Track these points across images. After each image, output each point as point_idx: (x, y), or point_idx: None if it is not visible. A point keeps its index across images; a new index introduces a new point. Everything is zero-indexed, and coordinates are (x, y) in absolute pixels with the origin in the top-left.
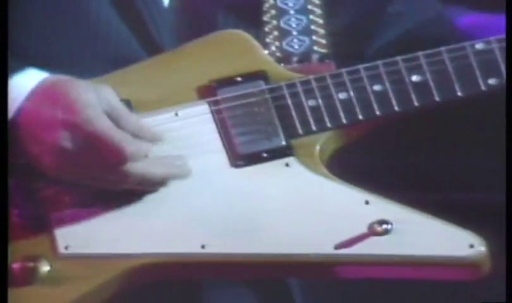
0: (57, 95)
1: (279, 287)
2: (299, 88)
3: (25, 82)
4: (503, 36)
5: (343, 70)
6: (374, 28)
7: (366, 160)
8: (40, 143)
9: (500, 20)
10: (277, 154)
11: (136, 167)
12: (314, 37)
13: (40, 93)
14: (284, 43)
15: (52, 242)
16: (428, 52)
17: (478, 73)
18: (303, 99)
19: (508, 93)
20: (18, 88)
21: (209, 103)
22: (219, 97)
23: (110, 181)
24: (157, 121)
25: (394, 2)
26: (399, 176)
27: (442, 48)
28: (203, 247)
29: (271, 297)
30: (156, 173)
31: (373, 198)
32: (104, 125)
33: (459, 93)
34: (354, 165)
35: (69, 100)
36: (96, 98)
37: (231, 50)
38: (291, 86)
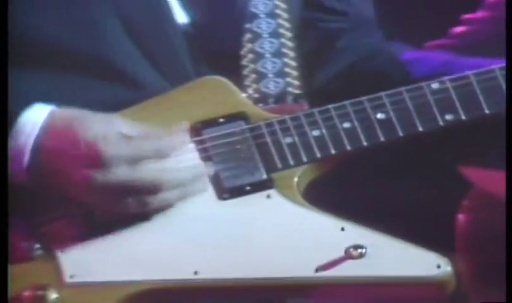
0: (76, 133)
1: None
2: (277, 127)
3: (35, 117)
4: (457, 75)
5: (315, 110)
6: (324, 60)
7: (341, 189)
8: (69, 179)
9: (434, 55)
10: (259, 187)
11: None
12: (288, 79)
13: (58, 132)
14: (261, 85)
15: (59, 271)
16: (390, 92)
17: (435, 110)
18: (281, 137)
19: (508, 93)
20: (29, 124)
21: (195, 143)
22: (203, 137)
23: (131, 207)
24: None
25: (341, 37)
26: (371, 204)
27: (402, 88)
28: (195, 273)
29: None
30: (172, 198)
31: (348, 225)
32: (130, 154)
33: (420, 128)
34: (329, 194)
35: (89, 137)
36: (112, 130)
37: (213, 94)
38: (269, 125)
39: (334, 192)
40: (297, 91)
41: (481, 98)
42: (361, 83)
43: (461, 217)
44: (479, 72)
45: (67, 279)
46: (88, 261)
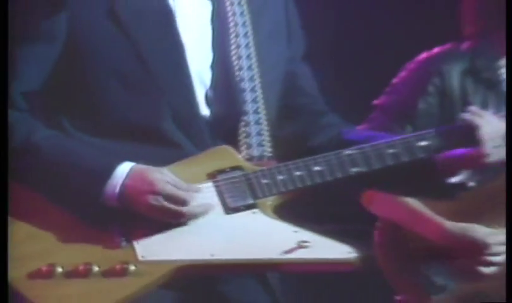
0: (144, 178)
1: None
2: (259, 174)
3: (123, 168)
4: (362, 146)
5: (280, 164)
6: (309, 135)
7: (297, 207)
8: (141, 203)
9: (359, 131)
10: (248, 207)
11: (188, 210)
12: (264, 147)
13: (135, 177)
14: (249, 151)
15: (135, 253)
16: (324, 155)
17: (348, 164)
18: (261, 179)
19: (508, 92)
20: (120, 172)
21: (213, 182)
22: (217, 178)
23: (174, 218)
24: None
25: (324, 116)
26: (313, 216)
27: (331, 153)
28: (212, 255)
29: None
30: (196, 212)
31: (299, 229)
32: (172, 190)
33: (339, 175)
34: (290, 210)
35: (151, 179)
36: (164, 177)
37: (223, 155)
38: (254, 172)
39: (293, 209)
40: (269, 155)
41: (374, 160)
42: (312, 150)
43: (376, 233)
44: (375, 143)
45: (140, 258)
46: (153, 247)
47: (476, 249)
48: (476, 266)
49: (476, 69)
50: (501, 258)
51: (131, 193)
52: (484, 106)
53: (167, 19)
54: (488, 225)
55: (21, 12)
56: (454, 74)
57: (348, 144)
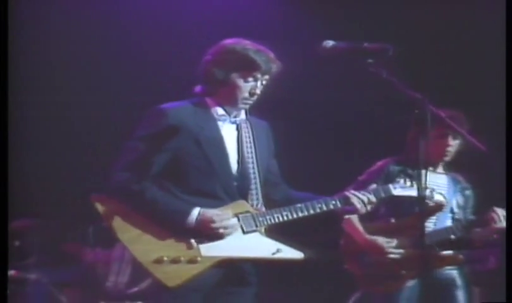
0: (207, 214)
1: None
2: (258, 215)
3: (196, 211)
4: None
5: (268, 210)
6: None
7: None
8: (206, 227)
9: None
10: (253, 231)
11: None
12: (259, 202)
13: (204, 213)
14: (253, 203)
15: (199, 251)
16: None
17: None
18: (259, 217)
19: (508, 93)
20: (195, 212)
21: (237, 218)
22: (239, 217)
23: (217, 234)
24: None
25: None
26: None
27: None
28: (235, 253)
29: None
30: (228, 233)
31: (279, 244)
32: (219, 220)
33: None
34: (275, 231)
35: (210, 216)
36: (215, 216)
37: (241, 206)
38: (256, 215)
39: (276, 230)
40: (262, 205)
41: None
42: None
43: (342, 241)
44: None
45: (202, 254)
46: (208, 249)
47: (379, 249)
48: (381, 257)
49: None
50: (395, 255)
51: (202, 225)
52: None
53: (219, 140)
54: (388, 237)
55: None
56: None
57: (295, 200)
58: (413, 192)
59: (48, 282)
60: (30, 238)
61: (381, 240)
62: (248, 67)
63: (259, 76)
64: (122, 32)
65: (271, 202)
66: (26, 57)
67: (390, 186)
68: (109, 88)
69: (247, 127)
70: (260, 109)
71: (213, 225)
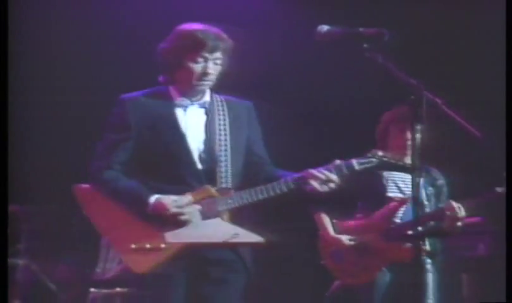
0: (163, 200)
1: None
2: (223, 198)
3: (154, 197)
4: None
5: (238, 192)
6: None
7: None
8: (163, 213)
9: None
10: (214, 216)
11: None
12: (228, 183)
13: (158, 200)
14: (220, 186)
15: (164, 237)
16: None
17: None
18: (224, 201)
19: (508, 93)
20: (153, 198)
21: (198, 203)
22: (202, 201)
23: (177, 221)
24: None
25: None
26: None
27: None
28: (195, 240)
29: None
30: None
31: (237, 227)
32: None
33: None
34: (239, 216)
35: (165, 203)
36: (172, 201)
37: (207, 191)
38: (222, 199)
39: (240, 215)
40: (230, 187)
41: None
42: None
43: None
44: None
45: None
46: (173, 235)
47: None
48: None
49: None
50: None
51: (156, 209)
52: None
53: (177, 126)
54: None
55: None
56: None
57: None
58: (374, 164)
59: (38, 269)
60: (20, 225)
61: (344, 238)
62: (196, 48)
63: (207, 55)
64: (123, 32)
65: (254, 184)
66: (26, 57)
67: (354, 161)
68: (109, 88)
69: (222, 110)
70: (249, 91)
71: (169, 212)
